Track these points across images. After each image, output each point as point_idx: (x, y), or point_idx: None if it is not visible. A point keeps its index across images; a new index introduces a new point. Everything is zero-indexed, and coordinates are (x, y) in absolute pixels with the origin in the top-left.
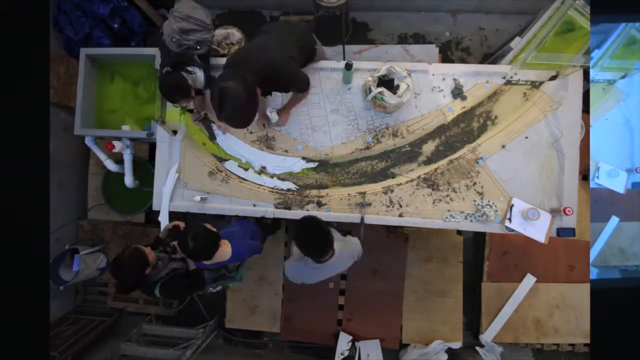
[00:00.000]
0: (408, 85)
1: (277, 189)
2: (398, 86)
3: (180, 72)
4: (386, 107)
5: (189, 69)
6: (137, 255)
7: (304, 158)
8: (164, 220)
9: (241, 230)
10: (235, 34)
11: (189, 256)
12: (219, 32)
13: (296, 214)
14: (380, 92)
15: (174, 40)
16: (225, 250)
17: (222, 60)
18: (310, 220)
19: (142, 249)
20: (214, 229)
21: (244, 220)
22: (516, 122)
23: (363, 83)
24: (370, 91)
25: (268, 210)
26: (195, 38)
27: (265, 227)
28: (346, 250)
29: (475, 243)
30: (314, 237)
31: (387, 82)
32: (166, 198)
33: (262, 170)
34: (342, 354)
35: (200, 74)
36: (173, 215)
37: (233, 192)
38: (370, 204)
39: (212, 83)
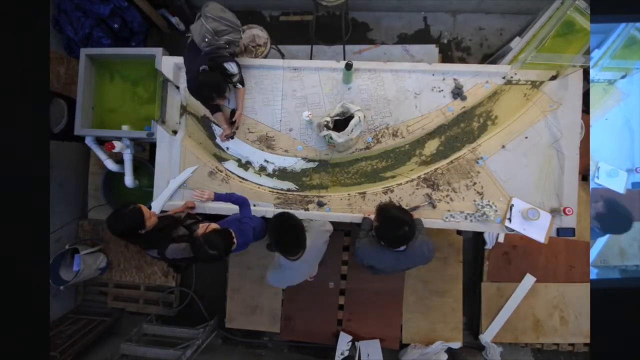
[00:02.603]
0: (360, 120)
1: (277, 189)
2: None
3: (216, 72)
4: (335, 145)
5: (226, 65)
6: (136, 214)
7: (304, 158)
8: (156, 207)
9: (232, 218)
10: (260, 34)
11: (208, 262)
12: (245, 35)
13: (296, 213)
14: (328, 135)
15: (206, 40)
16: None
17: (271, 62)
18: (284, 218)
19: (142, 210)
20: (221, 228)
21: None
22: (516, 122)
23: (318, 122)
24: (321, 131)
25: (268, 210)
26: (226, 38)
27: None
28: (316, 240)
29: (475, 243)
30: (286, 234)
31: (347, 120)
32: (168, 191)
33: (262, 170)
34: (342, 354)
35: (235, 67)
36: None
37: (233, 192)
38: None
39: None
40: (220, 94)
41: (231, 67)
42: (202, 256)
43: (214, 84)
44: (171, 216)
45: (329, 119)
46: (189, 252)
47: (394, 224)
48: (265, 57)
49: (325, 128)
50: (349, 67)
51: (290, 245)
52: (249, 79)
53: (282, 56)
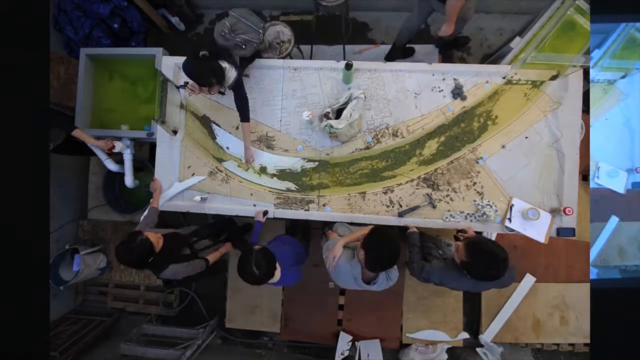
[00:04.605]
0: (357, 101)
1: (277, 189)
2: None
3: (216, 60)
4: (337, 135)
5: (222, 63)
6: (145, 244)
7: (304, 158)
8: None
9: (290, 253)
10: (285, 31)
11: (248, 282)
12: (269, 32)
13: (296, 213)
14: (327, 124)
15: (223, 34)
16: (276, 275)
17: (271, 62)
18: (385, 233)
19: (150, 241)
20: (269, 251)
21: (292, 239)
22: (516, 122)
23: (319, 114)
24: (321, 122)
25: (268, 210)
26: (243, 37)
27: (303, 232)
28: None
29: None
30: (384, 250)
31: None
32: (170, 193)
33: (262, 170)
34: (342, 354)
35: (232, 73)
36: (173, 215)
37: (233, 192)
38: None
39: (240, 87)
40: (201, 82)
41: (228, 69)
42: (245, 274)
43: (198, 68)
44: (174, 233)
45: (329, 109)
46: (190, 271)
47: (489, 263)
48: (289, 54)
49: (324, 118)
50: (349, 67)
51: (383, 266)
52: (249, 78)
53: (302, 56)
